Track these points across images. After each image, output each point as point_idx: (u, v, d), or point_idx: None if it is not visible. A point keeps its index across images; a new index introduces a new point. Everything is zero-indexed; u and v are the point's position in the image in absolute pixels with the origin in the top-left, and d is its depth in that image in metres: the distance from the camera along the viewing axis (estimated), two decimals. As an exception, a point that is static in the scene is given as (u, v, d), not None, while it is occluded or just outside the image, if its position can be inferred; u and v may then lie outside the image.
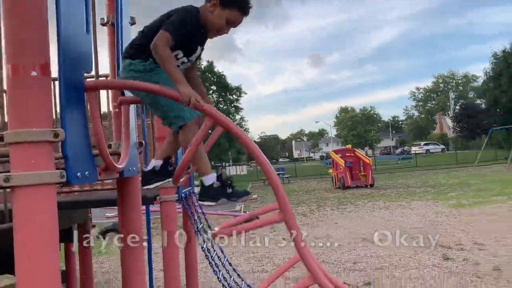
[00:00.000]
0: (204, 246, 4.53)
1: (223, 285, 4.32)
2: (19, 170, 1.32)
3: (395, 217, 10.38)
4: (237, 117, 44.74)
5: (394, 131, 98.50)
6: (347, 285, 2.35)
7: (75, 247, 4.92)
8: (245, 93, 44.90)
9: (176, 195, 3.59)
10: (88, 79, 1.83)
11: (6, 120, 2.25)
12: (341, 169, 19.90)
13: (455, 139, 58.67)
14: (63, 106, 1.49)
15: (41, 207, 1.34)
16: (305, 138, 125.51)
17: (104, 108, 3.55)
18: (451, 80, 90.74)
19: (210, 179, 2.14)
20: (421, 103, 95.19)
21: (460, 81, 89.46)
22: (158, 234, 6.07)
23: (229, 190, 2.13)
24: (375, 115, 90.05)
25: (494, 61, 44.61)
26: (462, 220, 9.15)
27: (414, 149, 54.56)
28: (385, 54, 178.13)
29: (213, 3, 2.14)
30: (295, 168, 36.53)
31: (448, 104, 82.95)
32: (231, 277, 4.65)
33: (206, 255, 4.49)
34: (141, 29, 2.23)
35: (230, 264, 4.99)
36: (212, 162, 41.59)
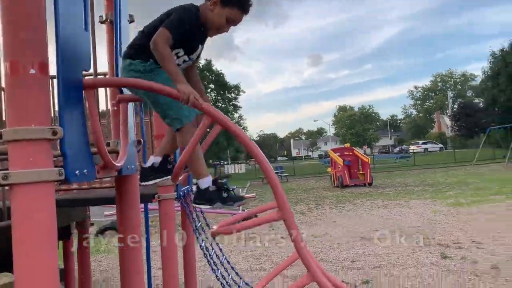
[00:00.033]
0: (203, 244, 4.53)
1: (221, 283, 4.32)
2: (17, 168, 1.32)
3: (393, 215, 10.39)
4: (236, 115, 44.71)
5: (392, 130, 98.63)
6: (345, 284, 2.36)
7: (74, 247, 4.91)
8: (244, 92, 44.86)
9: (175, 193, 3.59)
10: (86, 77, 1.82)
11: (4, 118, 2.25)
12: (339, 167, 19.91)
13: (453, 138, 58.76)
14: (61, 104, 1.49)
15: (39, 204, 1.34)
16: (303, 137, 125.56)
17: (102, 106, 3.55)
18: (449, 79, 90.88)
19: (206, 182, 2.13)
20: (420, 102, 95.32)
21: (458, 80, 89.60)
22: (156, 233, 6.07)
23: (225, 195, 2.12)
24: (373, 114, 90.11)
25: (493, 60, 44.68)
26: (460, 219, 9.16)
27: (413, 148, 54.67)
28: (384, 53, 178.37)
29: (213, 1, 2.13)
30: (293, 166, 36.56)
31: (446, 103, 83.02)
32: (229, 275, 4.66)
33: (204, 254, 4.49)
34: (141, 29, 2.23)
35: (228, 262, 4.99)
36: (210, 161, 41.60)
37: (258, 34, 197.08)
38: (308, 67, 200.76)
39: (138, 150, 2.79)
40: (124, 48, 2.37)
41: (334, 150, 22.38)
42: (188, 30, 2.09)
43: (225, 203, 2.12)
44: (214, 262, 4.55)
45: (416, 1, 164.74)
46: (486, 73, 46.62)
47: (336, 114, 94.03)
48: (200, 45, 2.25)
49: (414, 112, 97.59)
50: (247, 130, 56.41)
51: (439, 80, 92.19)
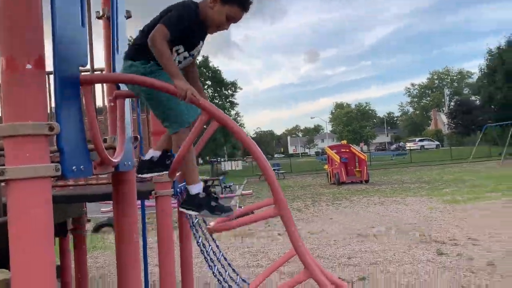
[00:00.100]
0: (200, 241, 4.54)
1: (218, 280, 4.32)
2: (13, 164, 1.31)
3: (389, 212, 10.43)
4: (232, 112, 44.68)
5: (389, 127, 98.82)
6: (342, 280, 2.36)
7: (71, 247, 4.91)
8: (240, 88, 44.80)
9: (171, 189, 3.59)
10: (83, 73, 1.81)
11: (0, 113, 2.23)
12: (336, 164, 19.96)
13: (450, 135, 58.92)
14: (58, 100, 1.48)
15: (36, 200, 1.34)
16: (300, 134, 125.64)
17: (99, 103, 3.54)
18: (446, 77, 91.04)
19: (196, 188, 2.13)
20: (416, 99, 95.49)
21: (455, 77, 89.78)
22: (153, 229, 6.07)
23: (213, 203, 2.11)
24: (370, 111, 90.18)
25: (489, 57, 44.78)
26: (456, 216, 9.20)
27: (409, 145, 54.82)
28: (381, 50, 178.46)
29: None
30: (290, 163, 36.61)
31: (443, 100, 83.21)
32: (226, 272, 4.66)
33: (201, 250, 4.49)
34: (141, 28, 2.22)
35: (225, 259, 5.00)
36: (207, 157, 41.57)
37: (255, 30, 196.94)
38: (305, 63, 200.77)
39: (135, 146, 2.78)
40: (121, 44, 2.36)
41: (331, 147, 22.42)
42: (188, 27, 2.09)
43: (213, 212, 2.10)
44: (211, 258, 4.55)
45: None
46: (482, 70, 46.71)
47: (333, 111, 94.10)
48: (200, 41, 2.24)
49: (411, 110, 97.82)
50: (244, 127, 56.35)
51: (435, 77, 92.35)
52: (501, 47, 43.03)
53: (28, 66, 1.34)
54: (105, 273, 6.41)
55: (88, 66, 2.19)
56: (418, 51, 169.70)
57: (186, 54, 2.20)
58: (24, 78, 1.34)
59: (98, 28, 2.41)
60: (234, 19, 2.20)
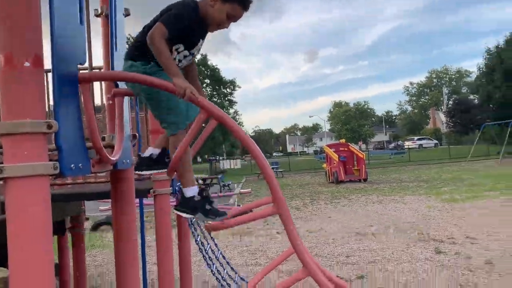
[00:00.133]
0: (198, 239, 4.54)
1: (216, 278, 4.33)
2: (12, 162, 1.31)
3: (388, 211, 10.44)
4: (231, 110, 44.72)
5: (387, 126, 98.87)
6: (340, 279, 2.37)
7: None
8: (239, 87, 44.90)
9: (170, 188, 3.58)
10: (82, 71, 1.81)
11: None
12: (334, 163, 19.97)
13: (448, 134, 59.01)
14: (56, 98, 1.48)
15: (34, 198, 1.33)
16: (299, 133, 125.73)
17: (97, 101, 3.54)
18: (444, 75, 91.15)
19: (192, 191, 2.12)
20: (415, 98, 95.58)
21: (453, 76, 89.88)
22: (152, 228, 6.06)
23: (208, 207, 2.11)
24: (368, 110, 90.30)
25: (488, 56, 44.84)
26: (455, 215, 9.22)
27: (408, 144, 54.89)
28: (380, 49, 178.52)
29: None
30: (289, 162, 36.61)
31: (442, 99, 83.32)
32: (224, 270, 4.67)
33: (200, 249, 4.50)
34: (143, 28, 2.22)
35: (223, 257, 5.00)
36: (206, 156, 41.58)
37: (254, 29, 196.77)
38: (304, 62, 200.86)
39: (134, 144, 2.78)
40: (119, 42, 2.36)
41: (330, 146, 22.44)
42: (187, 25, 2.08)
43: (207, 215, 2.10)
44: (209, 257, 4.55)
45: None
46: (481, 69, 46.79)
47: (332, 110, 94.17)
48: (200, 40, 2.24)
49: (409, 108, 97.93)
50: (243, 126, 56.41)
51: (434, 76, 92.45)
52: (499, 46, 43.10)
53: (26, 64, 1.33)
54: (104, 272, 6.41)
55: (87, 65, 2.18)
56: (417, 50, 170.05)
57: (186, 52, 2.19)
58: (22, 76, 1.33)
59: (97, 26, 2.40)
60: (235, 17, 2.20)
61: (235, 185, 22.17)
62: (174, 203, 4.22)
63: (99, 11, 2.34)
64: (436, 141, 59.21)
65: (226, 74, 43.16)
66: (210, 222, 2.14)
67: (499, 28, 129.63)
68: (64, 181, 3.66)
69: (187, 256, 4.36)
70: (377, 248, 6.75)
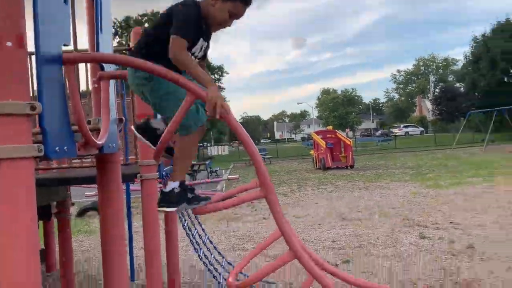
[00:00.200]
0: (185, 224, 4.55)
1: (203, 262, 4.36)
2: (-6, 144, 1.28)
3: (374, 197, 10.57)
4: (219, 97, 44.46)
5: (374, 113, 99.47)
6: (326, 262, 2.39)
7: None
8: (227, 73, 44.62)
9: (157, 173, 3.57)
10: (66, 52, 1.77)
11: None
12: (322, 150, 20.08)
13: (434, 122, 59.62)
14: (40, 79, 1.45)
15: (18, 181, 1.31)
16: (287, 119, 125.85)
17: (83, 86, 3.48)
18: (431, 63, 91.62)
19: (173, 185, 2.09)
20: (402, 85, 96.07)
21: (440, 64, 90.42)
22: (138, 214, 6.05)
23: (190, 195, 2.09)
24: (356, 97, 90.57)
25: (474, 45, 45.17)
26: (439, 201, 9.37)
27: (394, 131, 55.41)
28: (367, 36, 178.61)
29: None
30: (276, 149, 36.72)
31: (428, 87, 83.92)
32: (212, 254, 4.69)
33: (187, 233, 4.51)
34: (144, 32, 2.19)
35: (211, 242, 5.03)
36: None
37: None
38: (292, 49, 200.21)
39: (120, 129, 2.75)
40: (104, 23, 2.32)
41: (317, 133, 22.52)
42: (196, 27, 2.05)
43: (190, 203, 2.08)
44: (196, 242, 4.58)
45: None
46: (467, 58, 47.15)
47: (320, 97, 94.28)
48: (201, 39, 2.16)
49: (397, 96, 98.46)
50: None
51: (421, 64, 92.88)
52: (486, 35, 43.42)
53: (9, 44, 1.30)
54: (90, 257, 6.40)
55: (71, 48, 2.14)
56: (404, 38, 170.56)
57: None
58: (4, 56, 1.30)
59: (82, 9, 2.35)
60: (237, 15, 2.16)
61: (223, 171, 22.19)
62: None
63: (84, -8, 2.30)
64: (422, 129, 59.82)
65: (213, 60, 42.73)
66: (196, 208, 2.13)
67: (485, 17, 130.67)
68: (49, 166, 3.62)
69: (174, 241, 4.37)
70: (362, 233, 6.84)
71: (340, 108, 79.65)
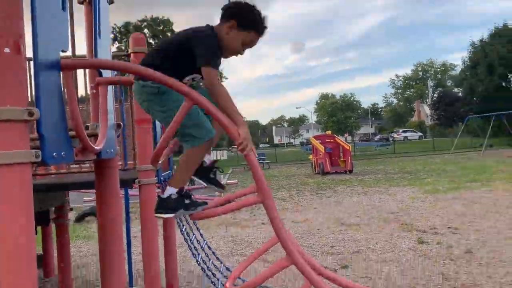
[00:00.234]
0: (184, 230, 4.54)
1: (202, 268, 4.35)
2: (-8, 149, 1.29)
3: (372, 202, 10.56)
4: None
5: (373, 118, 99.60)
6: (324, 267, 2.39)
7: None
8: (226, 78, 44.68)
9: (155, 178, 3.57)
10: (64, 58, 1.78)
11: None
12: (321, 155, 20.07)
13: (433, 127, 59.72)
14: (38, 85, 1.46)
15: (15, 187, 1.32)
16: (285, 124, 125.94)
17: (81, 92, 3.49)
18: (429, 69, 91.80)
19: (171, 191, 2.09)
20: (400, 90, 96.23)
21: (438, 69, 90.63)
22: (137, 219, 6.04)
23: (187, 201, 2.09)
24: (355, 102, 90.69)
25: (472, 50, 45.32)
26: (437, 205, 9.37)
27: (393, 136, 55.51)
28: (366, 41, 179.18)
29: (229, 25, 2.11)
30: (275, 153, 36.69)
31: (427, 92, 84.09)
32: (210, 260, 4.69)
33: (185, 239, 4.51)
34: (154, 49, 2.21)
35: (209, 247, 5.02)
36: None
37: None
38: (291, 54, 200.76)
39: (118, 135, 2.76)
40: (103, 29, 2.33)
41: (316, 138, 22.53)
42: (219, 58, 2.09)
43: (188, 209, 2.09)
44: (195, 247, 4.57)
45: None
46: (465, 63, 47.31)
47: (318, 101, 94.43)
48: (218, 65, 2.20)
49: (395, 101, 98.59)
50: (229, 117, 56.08)
51: (420, 69, 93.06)
52: (484, 40, 43.59)
53: (6, 50, 1.31)
54: (89, 262, 6.37)
55: (69, 53, 2.15)
56: (403, 42, 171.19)
57: (197, 76, 2.17)
58: (2, 62, 1.31)
59: (80, 14, 2.36)
60: (250, 44, 2.20)
61: (222, 176, 22.18)
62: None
63: (82, -2, 2.31)
64: (420, 134, 59.94)
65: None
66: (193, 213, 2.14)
67: (483, 22, 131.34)
68: (47, 171, 3.63)
69: (173, 246, 4.37)
70: (361, 238, 6.83)
71: (338, 113, 79.75)
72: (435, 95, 69.54)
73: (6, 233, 1.31)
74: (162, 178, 3.78)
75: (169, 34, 42.43)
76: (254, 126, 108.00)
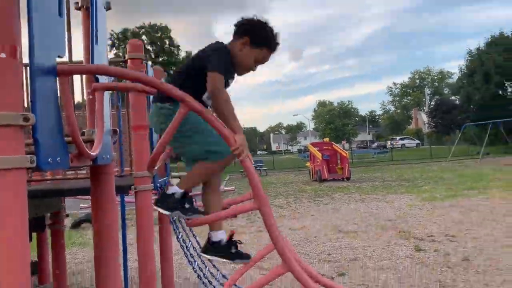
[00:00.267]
0: (180, 236, 4.52)
1: (198, 275, 4.32)
2: (-14, 155, 1.28)
3: (370, 209, 10.55)
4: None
5: (371, 126, 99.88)
6: (321, 275, 2.38)
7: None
8: (225, 85, 44.76)
9: (151, 184, 3.56)
10: (61, 64, 1.78)
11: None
12: (318, 162, 20.07)
13: (430, 134, 59.88)
14: (34, 90, 1.45)
15: (10, 192, 1.31)
16: (283, 131, 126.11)
17: (78, 98, 3.48)
18: (427, 76, 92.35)
19: (175, 189, 2.12)
20: (398, 98, 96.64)
21: (436, 77, 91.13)
22: (133, 225, 6.01)
23: (187, 205, 2.11)
24: (352, 109, 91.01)
25: (469, 58, 45.57)
26: (435, 213, 9.37)
27: (390, 144, 55.64)
28: (364, 49, 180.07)
29: (242, 42, 2.13)
30: (273, 160, 36.70)
31: (424, 99, 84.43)
32: (206, 267, 4.66)
33: (181, 246, 4.49)
34: (176, 71, 2.25)
35: (205, 254, 4.98)
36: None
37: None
38: (289, 61, 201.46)
39: (114, 141, 2.75)
40: (100, 35, 2.33)
41: (314, 145, 22.55)
42: (228, 71, 2.10)
43: (185, 213, 2.12)
44: (191, 254, 4.55)
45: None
46: (462, 71, 47.54)
47: (316, 109, 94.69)
48: (229, 81, 2.22)
49: (392, 108, 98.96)
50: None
51: (417, 77, 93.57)
52: (480, 49, 43.85)
53: (2, 55, 1.31)
54: (84, 269, 6.34)
55: (66, 59, 2.15)
56: (400, 50, 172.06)
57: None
58: (-2, 67, 1.31)
59: (77, 19, 2.37)
60: (262, 61, 2.22)
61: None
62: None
63: (80, 4, 2.31)
64: (418, 141, 60.09)
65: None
66: (187, 219, 2.14)
67: (480, 30, 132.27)
68: (43, 177, 3.61)
69: (169, 253, 4.35)
70: (358, 246, 6.82)
71: (336, 120, 79.96)
72: (432, 102, 69.81)
73: (0, 240, 1.30)
74: (158, 185, 3.77)
75: (166, 41, 42.52)
76: (251, 132, 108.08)
